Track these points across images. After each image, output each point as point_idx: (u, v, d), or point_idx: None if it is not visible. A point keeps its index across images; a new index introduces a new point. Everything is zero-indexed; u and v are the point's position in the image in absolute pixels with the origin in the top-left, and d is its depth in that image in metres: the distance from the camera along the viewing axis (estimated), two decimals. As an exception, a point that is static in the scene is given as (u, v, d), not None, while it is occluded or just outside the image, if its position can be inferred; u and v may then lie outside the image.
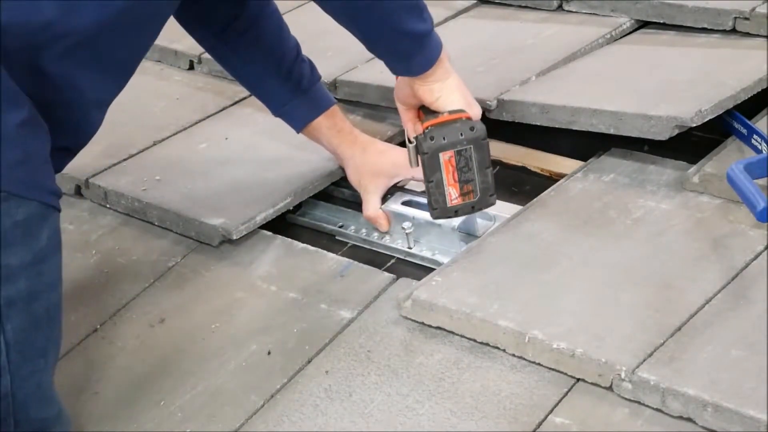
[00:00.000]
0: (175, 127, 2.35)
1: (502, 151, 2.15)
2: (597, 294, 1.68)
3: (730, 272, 1.67)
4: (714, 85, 1.98)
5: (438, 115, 1.83)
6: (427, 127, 1.81)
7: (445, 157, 1.78)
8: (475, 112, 1.88)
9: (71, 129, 1.64)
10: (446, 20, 2.52)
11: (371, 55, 1.89)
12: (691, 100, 1.94)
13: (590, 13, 2.39)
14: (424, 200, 1.98)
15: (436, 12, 2.52)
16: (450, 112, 1.82)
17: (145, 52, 1.73)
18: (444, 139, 1.78)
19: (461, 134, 1.78)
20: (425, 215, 1.92)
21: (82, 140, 1.70)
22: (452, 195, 1.80)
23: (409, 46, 1.79)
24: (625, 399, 1.53)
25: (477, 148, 1.78)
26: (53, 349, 1.55)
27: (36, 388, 1.52)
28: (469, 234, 1.93)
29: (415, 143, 1.80)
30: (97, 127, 1.71)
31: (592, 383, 1.56)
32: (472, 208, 1.82)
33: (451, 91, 1.85)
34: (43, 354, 1.52)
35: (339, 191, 2.13)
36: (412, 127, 1.90)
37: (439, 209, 1.81)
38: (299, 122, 2.05)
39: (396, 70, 1.87)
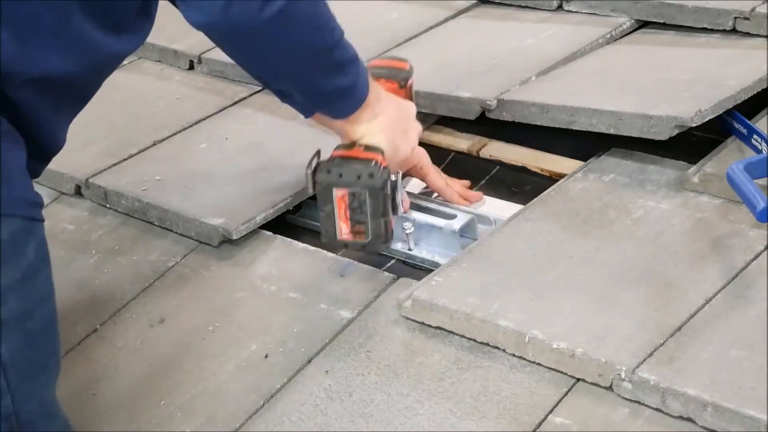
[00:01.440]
0: (175, 127, 2.35)
1: (502, 151, 2.15)
2: (597, 294, 1.68)
3: (730, 272, 1.67)
4: (714, 85, 1.98)
5: (353, 147, 1.78)
6: (332, 157, 1.76)
7: (339, 194, 1.73)
8: (400, 155, 1.84)
9: (39, 142, 1.60)
10: (446, 20, 2.52)
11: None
12: (691, 100, 1.94)
13: (590, 13, 2.39)
14: (425, 202, 1.99)
15: (435, 12, 2.55)
16: (366, 148, 1.77)
17: (108, 75, 1.71)
18: (340, 176, 1.73)
19: (359, 177, 1.72)
20: (426, 217, 1.92)
21: (51, 152, 1.67)
22: (343, 230, 1.76)
23: (329, 100, 1.77)
24: (625, 399, 1.53)
25: (372, 196, 1.72)
26: (53, 361, 1.52)
27: (39, 405, 1.49)
28: (471, 239, 1.92)
29: (312, 170, 1.75)
30: (63, 140, 1.67)
31: (592, 383, 1.56)
32: (363, 247, 1.78)
33: (375, 132, 1.81)
34: (43, 370, 1.49)
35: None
36: None
37: (328, 239, 1.79)
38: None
39: (318, 114, 1.83)
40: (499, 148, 2.16)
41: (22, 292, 1.44)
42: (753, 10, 2.18)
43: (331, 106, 1.79)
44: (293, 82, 1.74)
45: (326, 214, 1.76)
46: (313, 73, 1.71)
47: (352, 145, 1.80)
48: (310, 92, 1.76)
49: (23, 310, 1.44)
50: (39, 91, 1.55)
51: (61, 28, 1.53)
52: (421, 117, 2.21)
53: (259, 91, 2.45)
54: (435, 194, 2.02)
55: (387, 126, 1.83)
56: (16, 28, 1.49)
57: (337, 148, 1.80)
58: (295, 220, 2.10)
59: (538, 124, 2.05)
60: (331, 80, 1.73)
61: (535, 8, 2.48)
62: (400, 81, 1.91)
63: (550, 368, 1.60)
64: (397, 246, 1.95)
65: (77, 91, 1.64)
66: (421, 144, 1.98)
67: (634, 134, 1.94)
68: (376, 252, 1.78)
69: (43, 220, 1.51)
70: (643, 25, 2.35)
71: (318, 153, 1.80)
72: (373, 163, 1.75)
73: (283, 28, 1.61)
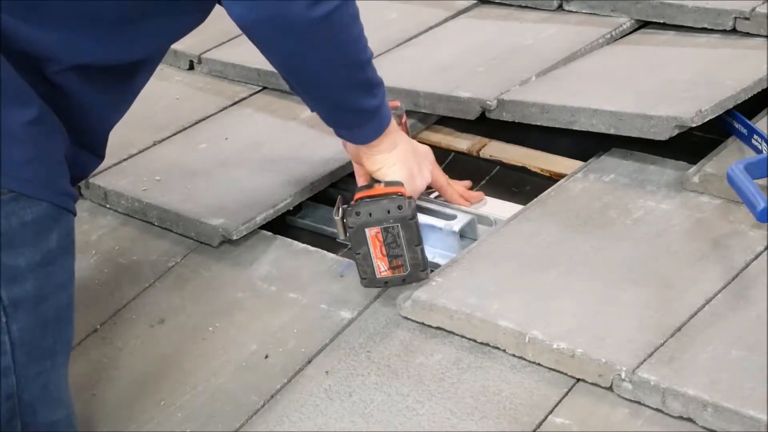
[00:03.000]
0: (175, 127, 2.35)
1: (502, 151, 2.15)
2: (597, 294, 1.68)
3: (730, 272, 1.67)
4: (714, 85, 1.98)
5: (373, 186, 1.81)
6: (357, 200, 1.78)
7: (372, 233, 1.75)
8: (417, 186, 1.86)
9: (85, 128, 1.63)
10: (446, 20, 2.52)
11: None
12: (691, 100, 1.94)
13: (590, 13, 2.39)
14: (425, 203, 1.98)
15: (435, 12, 2.55)
16: (386, 184, 1.80)
17: (162, 57, 1.73)
18: (370, 215, 1.74)
19: (388, 212, 1.74)
20: (427, 218, 1.91)
21: (98, 139, 1.69)
22: (381, 268, 1.77)
23: (354, 119, 1.77)
24: (625, 399, 1.53)
25: (404, 227, 1.74)
26: (62, 350, 1.54)
27: (42, 390, 1.50)
28: (472, 239, 1.92)
29: (341, 216, 1.77)
30: (111, 125, 1.70)
31: (592, 383, 1.56)
32: (403, 281, 1.78)
33: (393, 162, 1.83)
34: (50, 355, 1.51)
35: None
36: (363, 183, 1.88)
37: (368, 279, 1.78)
38: None
39: (339, 135, 1.84)
40: (499, 148, 2.16)
41: (40, 276, 1.47)
42: (753, 10, 2.18)
43: (355, 128, 1.79)
44: (324, 93, 1.74)
45: (362, 256, 1.77)
46: (345, 86, 1.72)
47: (371, 184, 1.82)
48: (337, 107, 1.76)
49: (38, 293, 1.47)
50: (84, 80, 1.56)
51: (102, 19, 1.55)
52: (421, 117, 2.22)
53: (259, 91, 2.45)
54: (435, 194, 2.02)
55: (404, 157, 1.84)
56: (58, 19, 1.52)
57: (358, 190, 1.82)
58: (295, 221, 2.10)
59: (538, 124, 2.05)
60: (361, 98, 1.74)
61: (535, 8, 2.48)
62: (397, 119, 1.91)
63: (550, 368, 1.60)
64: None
65: (125, 75, 1.65)
66: (421, 144, 1.98)
67: (634, 134, 1.94)
68: (417, 282, 1.79)
69: (73, 213, 1.53)
70: (643, 25, 2.35)
71: (340, 199, 1.82)
72: (399, 195, 1.77)
73: (326, 32, 1.62)
